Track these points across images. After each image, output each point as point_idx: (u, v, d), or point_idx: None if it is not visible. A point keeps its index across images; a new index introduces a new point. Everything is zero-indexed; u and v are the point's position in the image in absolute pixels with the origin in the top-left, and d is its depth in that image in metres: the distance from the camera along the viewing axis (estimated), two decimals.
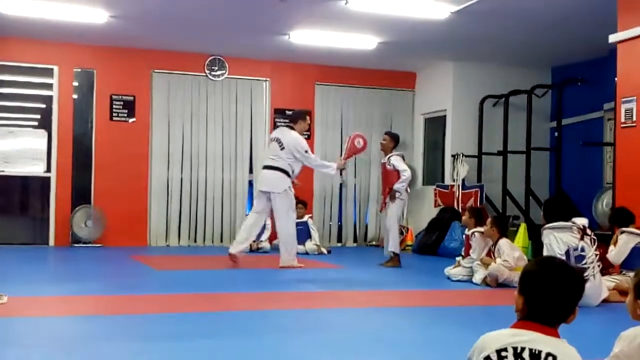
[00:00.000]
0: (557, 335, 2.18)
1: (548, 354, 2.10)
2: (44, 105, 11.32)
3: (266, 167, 8.62)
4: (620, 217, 7.11)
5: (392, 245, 9.10)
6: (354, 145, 8.94)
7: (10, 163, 10.91)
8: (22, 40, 10.79)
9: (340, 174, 8.95)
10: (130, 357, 3.89)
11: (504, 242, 7.34)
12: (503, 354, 2.12)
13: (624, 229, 6.98)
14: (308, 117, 9.13)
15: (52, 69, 11.12)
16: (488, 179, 11.41)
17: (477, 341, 2.22)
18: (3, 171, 10.89)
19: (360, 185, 12.71)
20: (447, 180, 11.75)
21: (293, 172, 8.60)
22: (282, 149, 8.52)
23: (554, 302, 2.17)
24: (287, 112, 12.16)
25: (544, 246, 5.98)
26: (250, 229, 8.64)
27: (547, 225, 6.00)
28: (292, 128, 8.75)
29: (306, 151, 8.65)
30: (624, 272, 6.85)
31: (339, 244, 12.52)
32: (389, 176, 9.08)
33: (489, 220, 7.59)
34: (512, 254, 7.20)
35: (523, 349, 2.11)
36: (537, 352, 2.10)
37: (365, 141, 9.13)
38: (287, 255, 8.55)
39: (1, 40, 10.67)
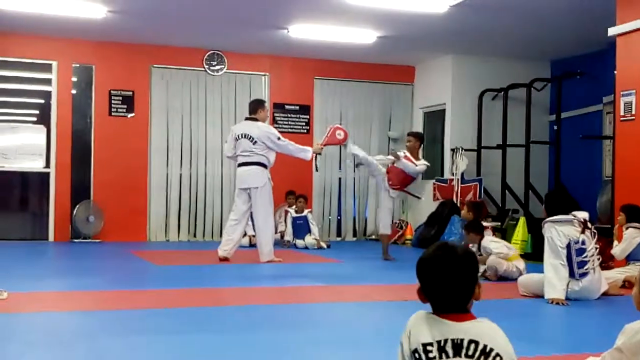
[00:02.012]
0: (471, 317, 2.18)
1: (470, 341, 2.11)
2: (42, 101, 11.32)
3: (242, 164, 8.48)
4: (635, 214, 7.09)
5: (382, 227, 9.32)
6: (335, 136, 8.82)
7: (10, 159, 10.91)
8: (20, 36, 10.77)
9: (316, 159, 8.77)
10: (130, 351, 3.89)
11: (486, 241, 7.36)
12: (429, 348, 2.13)
13: (630, 224, 6.98)
14: (266, 104, 8.93)
15: (50, 65, 11.11)
16: (487, 172, 11.41)
17: (409, 322, 2.23)
18: (2, 167, 10.89)
19: (359, 180, 12.71)
20: (447, 174, 11.75)
21: (269, 162, 8.49)
22: (255, 143, 8.36)
23: (450, 287, 2.17)
24: (287, 106, 12.18)
25: (545, 239, 5.98)
26: (234, 229, 8.51)
27: (548, 219, 5.99)
28: (255, 120, 8.56)
29: (279, 138, 8.48)
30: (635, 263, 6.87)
31: (339, 239, 12.53)
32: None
33: (465, 228, 7.63)
34: (499, 246, 7.29)
35: (446, 340, 2.12)
36: (458, 341, 2.12)
37: (347, 134, 8.99)
38: (268, 250, 8.48)
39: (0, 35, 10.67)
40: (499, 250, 7.21)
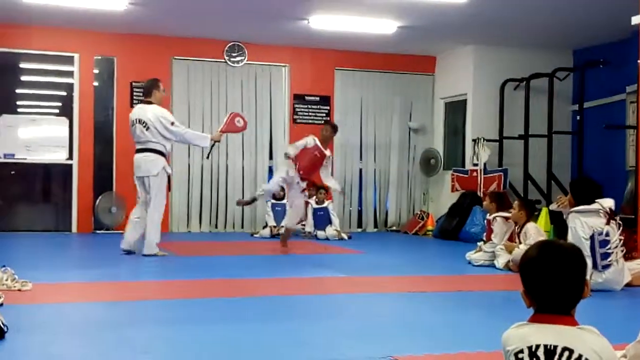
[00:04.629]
0: (573, 323, 2.12)
1: (564, 349, 2.04)
2: (65, 93, 11.39)
3: (138, 151, 8.04)
4: None
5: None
6: (234, 123, 8.49)
7: (33, 151, 11.00)
8: (42, 29, 10.83)
9: (210, 150, 8.53)
10: (153, 341, 3.92)
11: (531, 226, 7.28)
12: (520, 355, 2.09)
13: None
14: (161, 84, 8.25)
15: (72, 57, 11.17)
16: (509, 163, 11.34)
17: (503, 337, 2.19)
18: (25, 159, 10.98)
19: (380, 171, 12.69)
20: (468, 165, 11.70)
21: (166, 150, 8.07)
22: (148, 129, 7.87)
23: (559, 287, 2.12)
24: (307, 97, 12.17)
25: (569, 230, 5.95)
26: (137, 224, 8.09)
27: (573, 209, 5.95)
28: (149, 102, 8.03)
29: (172, 123, 7.96)
30: None
31: (359, 230, 12.52)
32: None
33: (516, 203, 7.55)
34: (538, 239, 7.13)
35: (538, 346, 2.06)
36: (552, 347, 2.05)
37: (245, 122, 8.67)
38: (153, 242, 8.00)
39: (22, 28, 10.72)
40: (532, 244, 7.09)
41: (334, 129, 9.28)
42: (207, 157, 9.65)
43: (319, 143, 8.85)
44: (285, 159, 8.88)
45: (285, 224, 9.27)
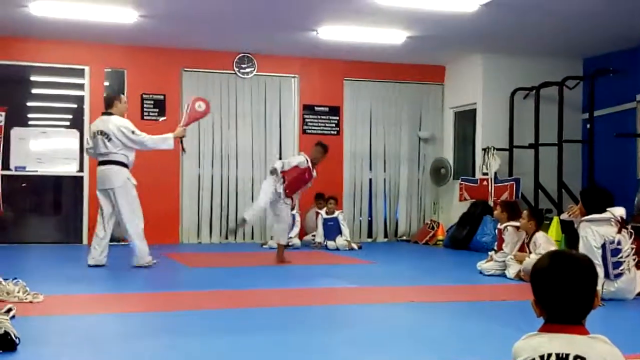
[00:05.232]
0: (584, 332, 2.11)
1: (576, 357, 2.03)
2: (75, 105, 11.44)
3: (100, 164, 8.02)
4: None
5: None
6: (194, 109, 8.30)
7: (44, 163, 11.04)
8: (53, 42, 10.89)
9: (181, 143, 8.43)
10: (163, 353, 3.92)
11: (540, 235, 7.26)
12: None
13: None
14: (123, 96, 8.30)
15: (83, 70, 11.22)
16: (520, 172, 11.31)
17: (514, 348, 2.18)
18: (37, 171, 11.02)
19: (389, 180, 12.67)
20: (478, 174, 11.67)
21: (129, 161, 7.99)
22: (110, 140, 7.83)
23: (571, 297, 2.11)
24: (317, 108, 12.18)
25: (580, 239, 5.92)
26: (103, 240, 8.15)
27: (585, 218, 5.93)
28: (110, 114, 7.97)
29: (133, 132, 7.89)
30: None
31: (370, 240, 12.49)
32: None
33: (525, 212, 7.52)
34: (548, 248, 7.11)
35: (549, 355, 2.06)
36: (564, 355, 2.04)
37: (208, 105, 8.48)
38: (141, 253, 8.03)
39: (32, 41, 10.79)
40: (542, 253, 7.06)
41: (326, 150, 9.14)
42: (184, 151, 9.53)
43: (310, 164, 8.82)
44: (271, 174, 8.72)
45: (278, 241, 8.99)
